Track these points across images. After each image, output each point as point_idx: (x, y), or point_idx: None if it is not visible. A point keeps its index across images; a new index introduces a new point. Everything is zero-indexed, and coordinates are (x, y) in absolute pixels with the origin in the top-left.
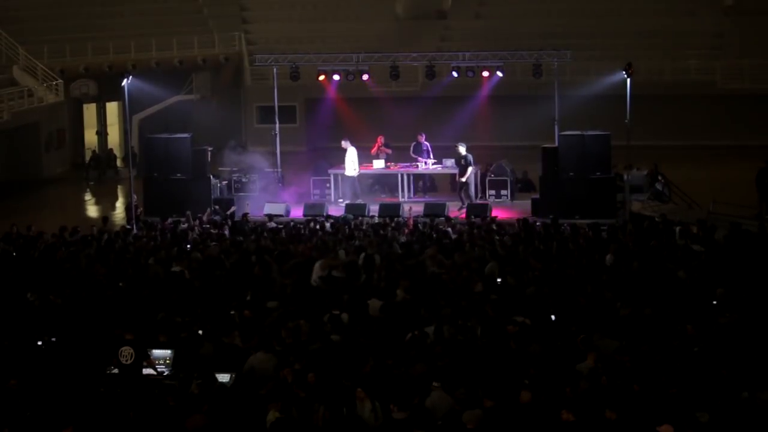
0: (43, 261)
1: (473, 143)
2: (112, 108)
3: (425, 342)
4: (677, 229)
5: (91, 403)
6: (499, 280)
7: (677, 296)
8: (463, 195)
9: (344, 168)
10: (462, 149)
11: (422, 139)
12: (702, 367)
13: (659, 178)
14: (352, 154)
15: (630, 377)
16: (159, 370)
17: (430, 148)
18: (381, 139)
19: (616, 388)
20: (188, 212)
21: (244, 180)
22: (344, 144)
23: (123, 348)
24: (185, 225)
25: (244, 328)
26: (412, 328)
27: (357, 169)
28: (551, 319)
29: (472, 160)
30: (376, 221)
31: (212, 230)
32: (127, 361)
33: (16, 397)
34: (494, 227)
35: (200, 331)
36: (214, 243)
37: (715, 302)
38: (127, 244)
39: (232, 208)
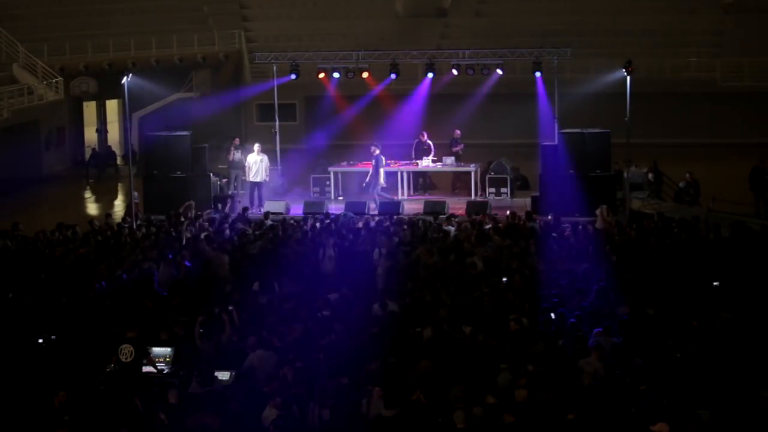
0: (42, 258)
1: (473, 140)
2: (112, 106)
3: (422, 340)
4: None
5: (88, 400)
6: (504, 279)
7: (679, 294)
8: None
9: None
10: (376, 151)
11: (424, 137)
12: (703, 364)
13: (649, 174)
14: (251, 159)
15: (633, 375)
16: (159, 367)
17: (432, 147)
18: (458, 133)
19: (619, 385)
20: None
21: (243, 178)
22: (255, 147)
23: (123, 346)
24: (186, 219)
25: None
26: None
27: (260, 175)
28: (551, 317)
29: (382, 161)
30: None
31: (210, 228)
32: (126, 359)
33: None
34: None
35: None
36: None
37: (715, 299)
38: (124, 242)
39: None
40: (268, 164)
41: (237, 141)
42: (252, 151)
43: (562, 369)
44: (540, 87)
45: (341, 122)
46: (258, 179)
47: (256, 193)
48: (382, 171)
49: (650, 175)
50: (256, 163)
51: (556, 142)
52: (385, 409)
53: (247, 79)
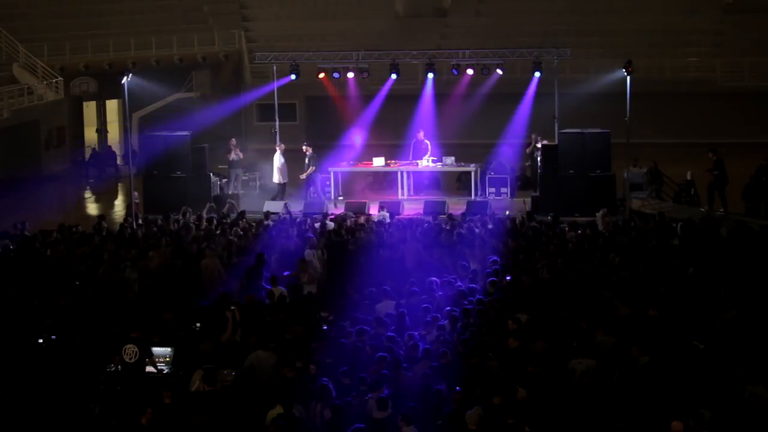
0: (42, 258)
1: (473, 140)
2: (112, 106)
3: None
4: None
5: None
6: (508, 278)
7: (680, 294)
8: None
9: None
10: (309, 150)
11: (422, 136)
12: (705, 364)
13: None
14: (280, 160)
15: (634, 374)
16: (159, 367)
17: (429, 146)
18: (536, 137)
19: (619, 386)
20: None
21: (244, 178)
22: (282, 146)
23: (127, 346)
24: (182, 220)
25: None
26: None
27: (284, 176)
28: (552, 316)
29: (313, 162)
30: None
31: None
32: (131, 359)
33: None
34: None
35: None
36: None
37: (718, 299)
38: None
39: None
40: None
41: (234, 141)
42: (276, 151)
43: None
44: (532, 88)
45: (341, 122)
46: (285, 180)
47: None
48: (309, 170)
49: (689, 174)
50: (283, 164)
51: (556, 142)
52: (377, 411)
53: (247, 79)
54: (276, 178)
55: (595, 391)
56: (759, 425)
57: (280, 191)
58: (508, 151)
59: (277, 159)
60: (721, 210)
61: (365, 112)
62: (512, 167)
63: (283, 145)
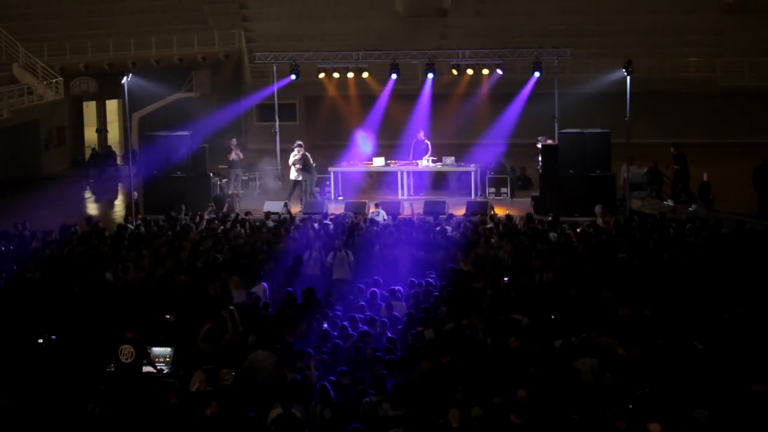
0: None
1: (473, 141)
2: (112, 106)
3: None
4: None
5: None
6: (506, 279)
7: (679, 294)
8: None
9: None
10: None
11: (422, 136)
12: (703, 364)
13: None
14: (293, 158)
15: (632, 375)
16: (159, 367)
17: (429, 146)
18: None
19: (618, 386)
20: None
21: (243, 178)
22: (295, 145)
23: (123, 346)
24: (184, 221)
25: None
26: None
27: (298, 173)
28: (551, 317)
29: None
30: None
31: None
32: (127, 359)
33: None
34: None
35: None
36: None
37: (718, 300)
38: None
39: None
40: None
41: (234, 141)
42: (293, 150)
43: (560, 370)
44: (528, 88)
45: (341, 122)
46: (300, 177)
47: (296, 189)
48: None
49: (705, 175)
50: (299, 160)
51: (556, 142)
52: (391, 410)
53: (247, 79)
54: (293, 174)
55: (598, 391)
56: (763, 424)
57: (292, 188)
58: (502, 150)
59: (293, 157)
60: (692, 205)
61: (365, 113)
62: (512, 167)
63: (301, 145)
